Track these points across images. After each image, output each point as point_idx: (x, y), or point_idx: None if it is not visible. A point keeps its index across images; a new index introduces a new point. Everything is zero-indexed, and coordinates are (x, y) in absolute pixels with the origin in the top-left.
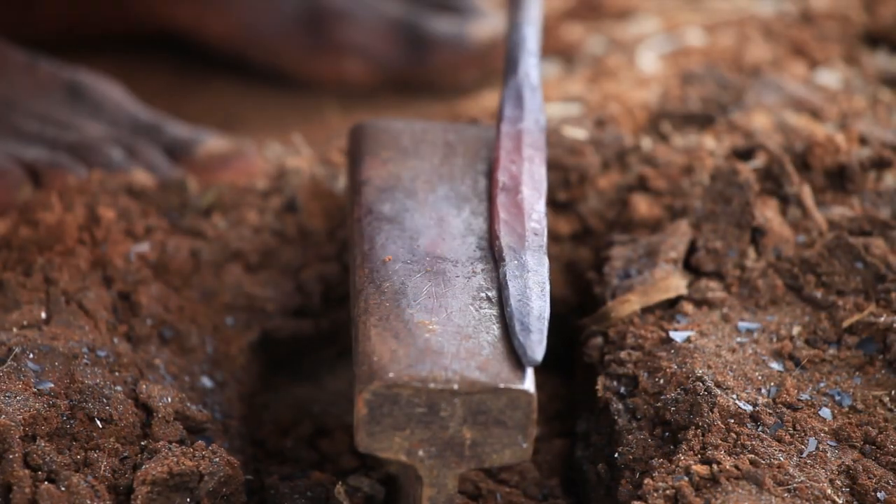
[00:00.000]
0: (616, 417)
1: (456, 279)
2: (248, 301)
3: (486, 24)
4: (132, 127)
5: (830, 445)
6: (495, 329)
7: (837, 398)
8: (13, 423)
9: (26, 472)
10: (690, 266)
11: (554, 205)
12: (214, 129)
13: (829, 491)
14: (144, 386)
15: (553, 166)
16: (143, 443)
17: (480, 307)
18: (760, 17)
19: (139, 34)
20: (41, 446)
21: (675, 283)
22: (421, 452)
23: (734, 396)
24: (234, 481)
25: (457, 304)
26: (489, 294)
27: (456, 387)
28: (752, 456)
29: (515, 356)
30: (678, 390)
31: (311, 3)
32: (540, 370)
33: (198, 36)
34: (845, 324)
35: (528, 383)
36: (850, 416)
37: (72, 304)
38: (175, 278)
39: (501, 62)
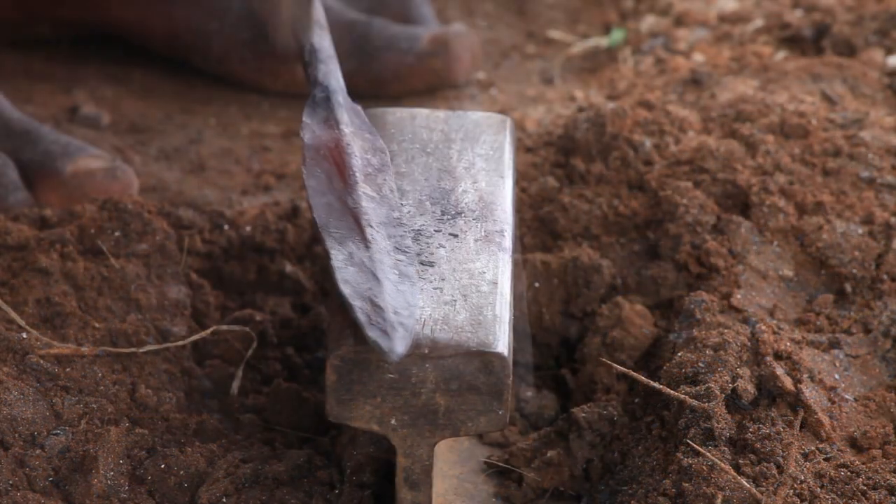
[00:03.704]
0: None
1: (438, 250)
2: None
3: (451, 26)
4: (2, 134)
5: None
6: (474, 296)
7: None
8: None
9: None
10: None
11: None
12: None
13: None
14: None
15: None
16: None
17: (460, 276)
18: None
19: (84, 33)
20: None
21: None
22: (393, 421)
23: None
24: None
25: (437, 273)
26: (470, 266)
27: (426, 351)
28: None
29: (489, 322)
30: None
31: (257, 9)
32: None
33: (143, 39)
34: None
35: (502, 346)
36: None
37: None
38: None
39: (450, 74)
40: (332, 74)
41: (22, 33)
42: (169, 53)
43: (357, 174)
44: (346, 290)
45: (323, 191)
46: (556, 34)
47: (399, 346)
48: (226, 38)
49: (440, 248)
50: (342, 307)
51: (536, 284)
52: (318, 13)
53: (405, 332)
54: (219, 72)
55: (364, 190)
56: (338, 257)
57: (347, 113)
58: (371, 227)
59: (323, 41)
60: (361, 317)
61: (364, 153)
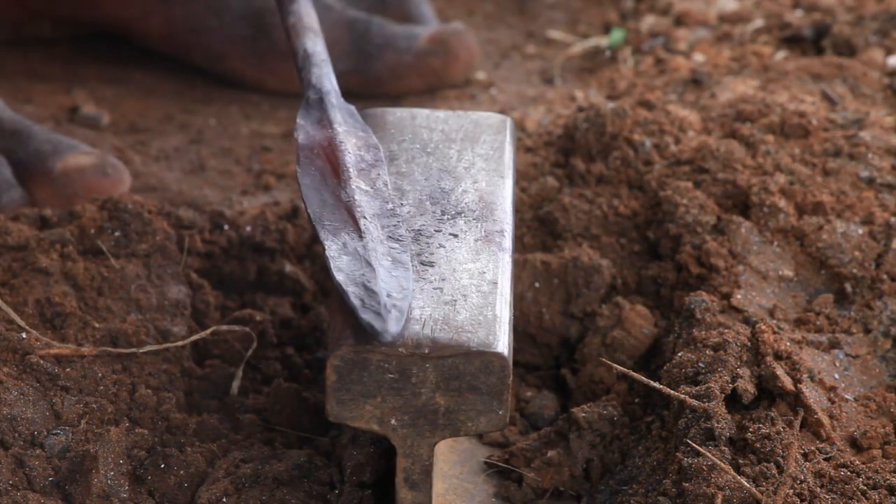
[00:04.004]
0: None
1: (438, 250)
2: None
3: (449, 24)
4: None
5: None
6: (474, 296)
7: None
8: None
9: None
10: None
11: None
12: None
13: None
14: None
15: None
16: None
17: (460, 277)
18: None
19: (84, 32)
20: None
21: None
22: (393, 421)
23: None
24: None
25: (437, 273)
26: (470, 266)
27: (426, 351)
28: None
29: (489, 322)
30: None
31: (257, 6)
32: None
33: (142, 37)
34: None
35: (502, 346)
36: None
37: None
38: None
39: (449, 72)
40: (326, 77)
41: (22, 32)
42: (168, 52)
43: (351, 170)
44: (339, 277)
45: (317, 187)
46: (556, 34)
47: (393, 326)
48: (225, 35)
49: (440, 248)
50: (342, 302)
51: (536, 284)
52: (312, 19)
53: (399, 313)
54: (218, 70)
55: (357, 184)
56: (332, 248)
57: (340, 113)
58: (365, 218)
59: (316, 46)
60: (355, 301)
61: (357, 150)
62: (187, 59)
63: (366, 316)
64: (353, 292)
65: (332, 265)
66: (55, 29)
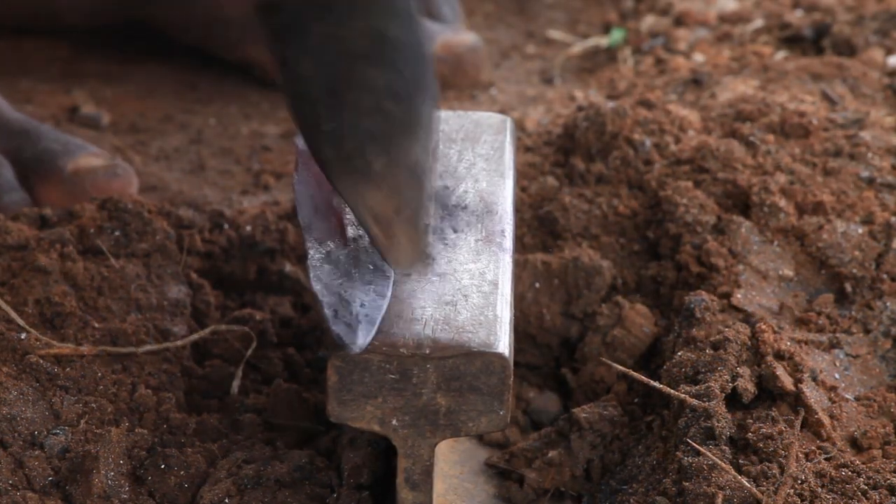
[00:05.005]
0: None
1: (438, 250)
2: None
3: (465, 36)
4: (1, 134)
5: None
6: (475, 297)
7: None
8: None
9: None
10: None
11: None
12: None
13: None
14: None
15: None
16: None
17: (461, 277)
18: None
19: (110, 21)
20: None
21: None
22: (394, 421)
23: None
24: None
25: (437, 271)
26: (470, 266)
27: (427, 351)
28: None
29: (490, 322)
30: None
31: None
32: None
33: (161, 25)
34: None
35: (503, 346)
36: None
37: None
38: None
39: (455, 81)
40: None
41: (58, 23)
42: (186, 41)
43: None
44: (316, 286)
45: (311, 193)
46: (556, 34)
47: (361, 339)
48: (240, 24)
49: (440, 247)
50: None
51: (537, 285)
52: None
53: (369, 324)
54: (234, 58)
55: None
56: (314, 257)
57: None
58: (354, 225)
59: None
60: (328, 312)
61: None
62: (204, 48)
63: (336, 328)
64: (327, 303)
65: (311, 275)
66: (89, 20)
